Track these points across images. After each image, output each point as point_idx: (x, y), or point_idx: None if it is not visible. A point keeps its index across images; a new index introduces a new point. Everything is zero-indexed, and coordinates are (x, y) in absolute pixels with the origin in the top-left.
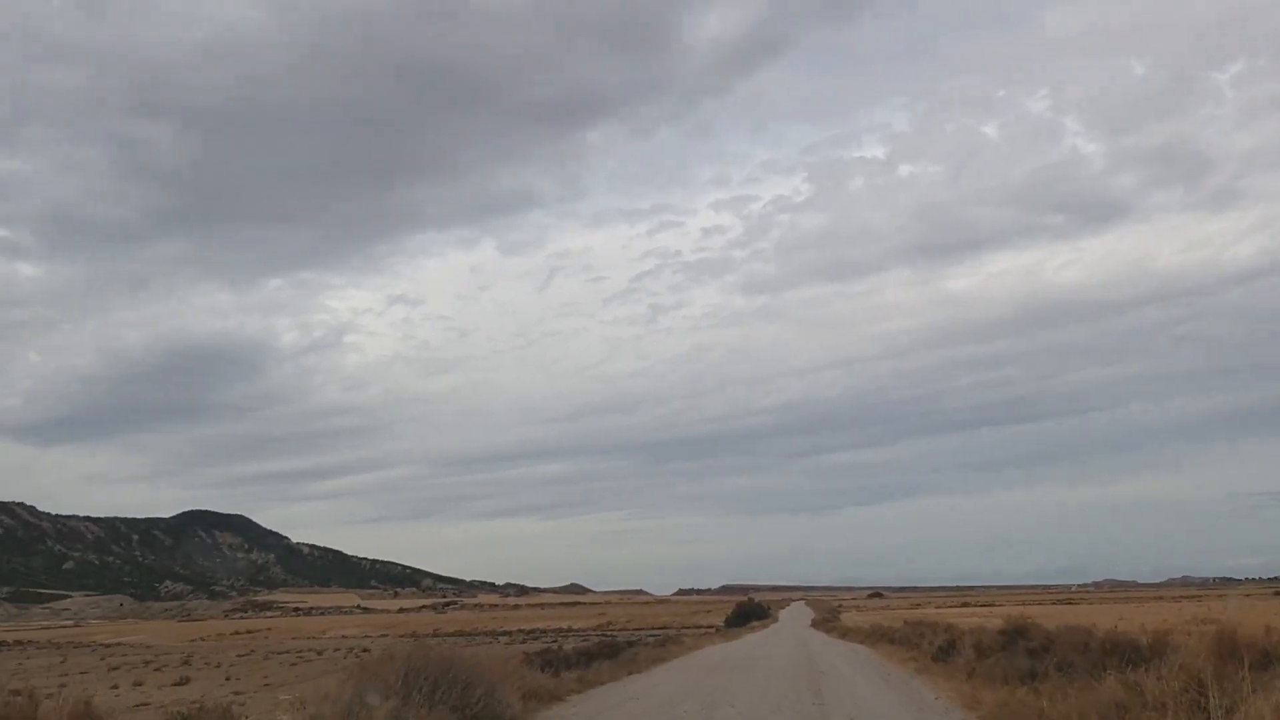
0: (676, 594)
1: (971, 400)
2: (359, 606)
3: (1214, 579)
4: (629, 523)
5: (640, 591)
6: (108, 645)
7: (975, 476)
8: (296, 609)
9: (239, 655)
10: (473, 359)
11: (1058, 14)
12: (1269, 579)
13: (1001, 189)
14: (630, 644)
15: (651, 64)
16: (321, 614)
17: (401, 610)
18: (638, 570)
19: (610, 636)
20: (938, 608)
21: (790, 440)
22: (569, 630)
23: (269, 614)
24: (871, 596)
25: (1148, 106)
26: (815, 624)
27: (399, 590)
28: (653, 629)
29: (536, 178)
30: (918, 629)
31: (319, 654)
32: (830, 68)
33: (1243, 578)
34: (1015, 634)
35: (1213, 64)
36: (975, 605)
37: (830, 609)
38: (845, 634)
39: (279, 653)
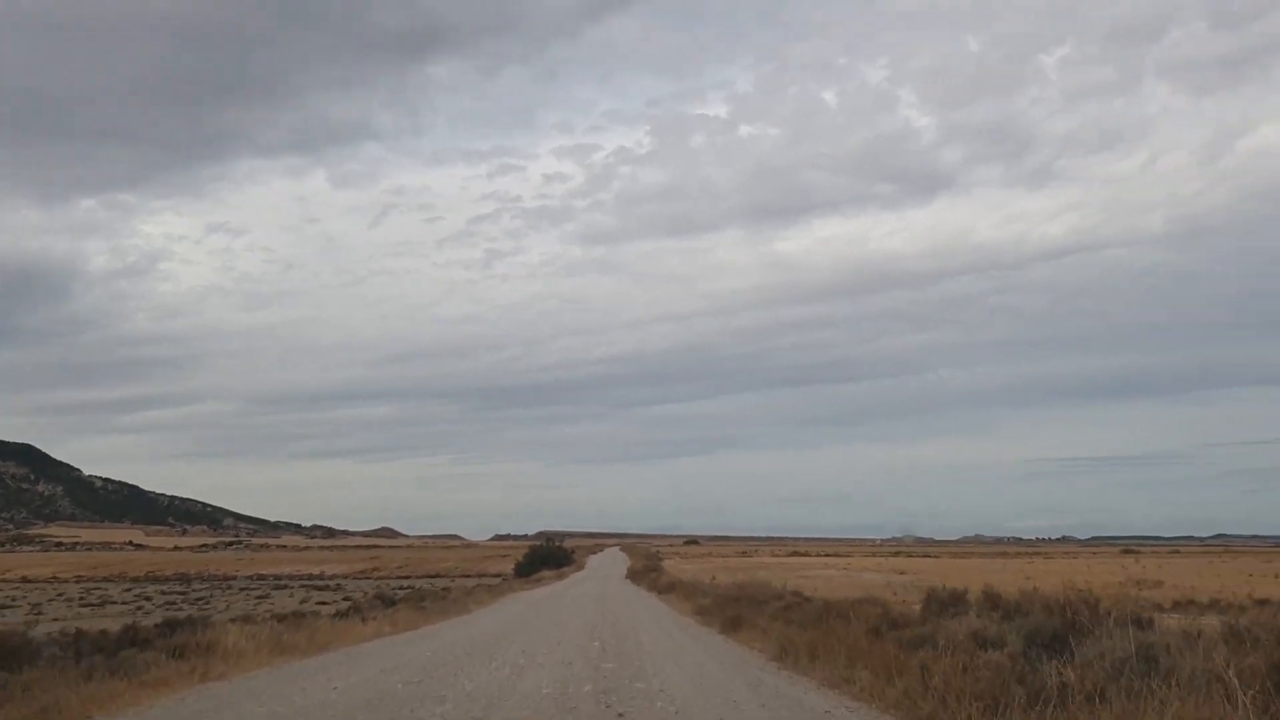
0: (492, 539)
1: (797, 359)
2: (130, 543)
3: (1007, 539)
4: (452, 468)
5: (454, 536)
6: None
7: (796, 432)
8: (59, 543)
9: None
10: (296, 294)
11: None
12: (1055, 539)
13: (836, 156)
14: None
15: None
16: (87, 550)
17: (176, 548)
18: (456, 515)
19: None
20: (774, 555)
21: (621, 391)
22: (320, 576)
23: (28, 549)
24: (687, 544)
25: (978, 83)
26: (633, 577)
27: (188, 529)
28: (423, 576)
29: (375, 109)
30: None
31: None
32: (680, 21)
33: (1032, 538)
34: None
35: (1042, 47)
36: (813, 555)
37: (649, 555)
38: (708, 612)
39: None
